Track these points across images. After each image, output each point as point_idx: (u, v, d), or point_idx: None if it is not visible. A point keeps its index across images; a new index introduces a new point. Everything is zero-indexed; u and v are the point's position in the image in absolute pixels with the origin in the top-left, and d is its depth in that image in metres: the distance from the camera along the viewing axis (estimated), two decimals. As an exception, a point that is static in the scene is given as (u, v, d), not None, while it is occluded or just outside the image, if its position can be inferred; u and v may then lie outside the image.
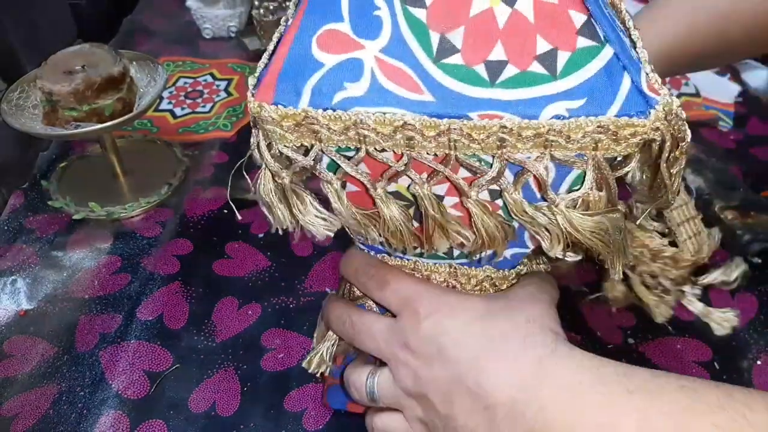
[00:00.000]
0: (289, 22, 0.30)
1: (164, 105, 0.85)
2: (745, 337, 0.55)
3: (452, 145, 0.28)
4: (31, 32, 0.88)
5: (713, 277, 0.42)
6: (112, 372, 0.53)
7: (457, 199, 0.32)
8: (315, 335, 0.46)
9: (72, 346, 0.56)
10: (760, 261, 0.60)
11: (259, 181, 0.33)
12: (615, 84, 0.27)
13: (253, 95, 0.29)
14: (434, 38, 0.28)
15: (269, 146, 0.31)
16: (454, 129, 0.27)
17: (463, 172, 0.30)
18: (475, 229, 0.32)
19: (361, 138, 0.29)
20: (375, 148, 0.29)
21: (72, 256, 0.64)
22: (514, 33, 0.28)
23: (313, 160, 0.30)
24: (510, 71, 0.28)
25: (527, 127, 0.27)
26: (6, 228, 0.68)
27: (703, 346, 0.55)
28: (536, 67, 0.27)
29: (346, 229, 0.35)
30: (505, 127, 0.27)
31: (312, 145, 0.30)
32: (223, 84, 0.89)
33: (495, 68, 0.28)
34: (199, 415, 0.50)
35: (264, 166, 0.32)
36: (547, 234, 0.31)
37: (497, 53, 0.28)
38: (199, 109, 0.85)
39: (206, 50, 0.98)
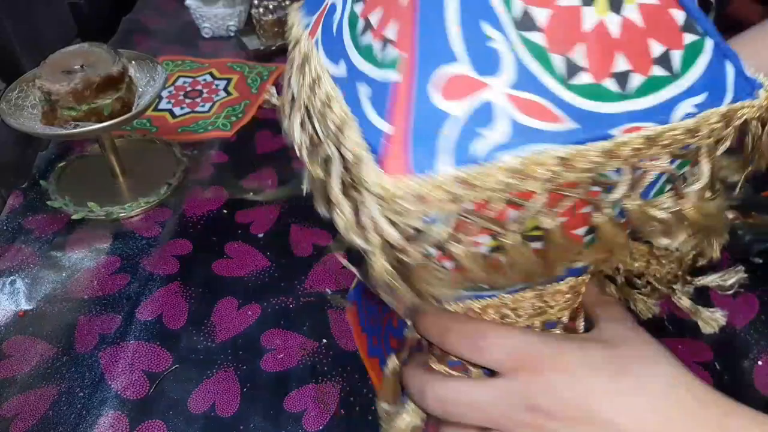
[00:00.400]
0: (379, 76, 0.27)
1: (163, 104, 0.85)
2: (746, 338, 0.55)
3: (594, 168, 0.26)
4: (30, 32, 0.88)
5: (710, 279, 0.42)
6: (111, 372, 0.53)
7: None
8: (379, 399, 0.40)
9: (71, 346, 0.56)
10: (761, 261, 0.60)
11: (372, 267, 0.28)
12: (723, 72, 0.28)
13: (379, 170, 0.25)
14: (557, 61, 0.26)
15: (393, 224, 0.27)
16: (601, 149, 0.26)
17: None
18: (600, 243, 0.30)
19: (506, 187, 0.26)
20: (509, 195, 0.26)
21: (71, 257, 0.64)
22: (629, 40, 0.27)
23: (446, 224, 0.26)
24: (636, 80, 0.27)
25: (667, 131, 0.27)
26: (5, 228, 0.67)
27: (704, 347, 0.54)
28: (657, 71, 0.27)
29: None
30: (649, 137, 0.26)
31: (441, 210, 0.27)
32: (222, 83, 0.89)
33: (622, 79, 0.27)
34: (198, 416, 0.50)
35: (376, 246, 0.27)
36: (661, 227, 0.30)
37: (620, 63, 0.27)
38: (198, 109, 0.84)
39: (205, 49, 0.98)
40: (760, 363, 0.53)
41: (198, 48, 0.98)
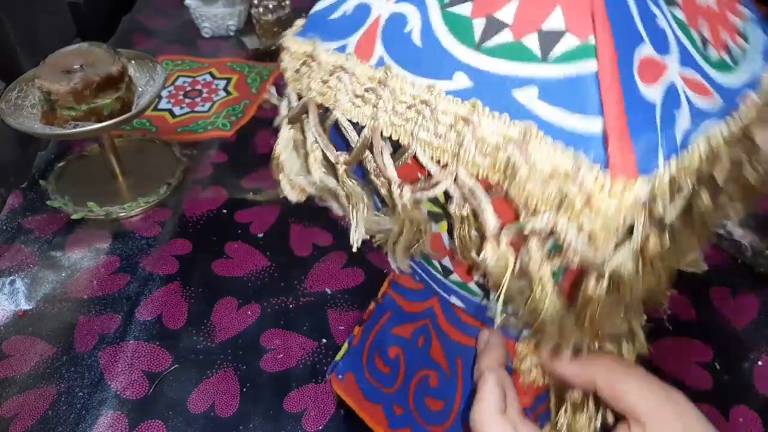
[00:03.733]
0: (571, 67, 0.22)
1: (163, 104, 0.85)
2: (746, 338, 0.55)
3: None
4: (29, 31, 0.88)
5: None
6: (111, 372, 0.53)
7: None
8: None
9: (71, 346, 0.55)
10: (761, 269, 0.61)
11: (529, 306, 0.25)
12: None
13: (607, 178, 0.21)
14: (695, 35, 0.25)
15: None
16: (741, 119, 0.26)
17: None
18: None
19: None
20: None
21: (71, 256, 0.64)
22: (710, 12, 0.27)
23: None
24: (735, 49, 0.27)
25: None
26: (4, 228, 0.67)
27: (704, 347, 0.54)
28: (739, 41, 0.27)
29: None
30: (761, 104, 0.27)
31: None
32: (222, 83, 0.89)
33: (728, 50, 0.27)
34: (198, 416, 0.50)
35: (547, 280, 0.24)
36: None
37: (724, 36, 0.27)
38: (198, 109, 0.84)
39: (205, 49, 0.98)
40: (760, 363, 0.53)
41: (198, 48, 0.98)
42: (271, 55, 0.95)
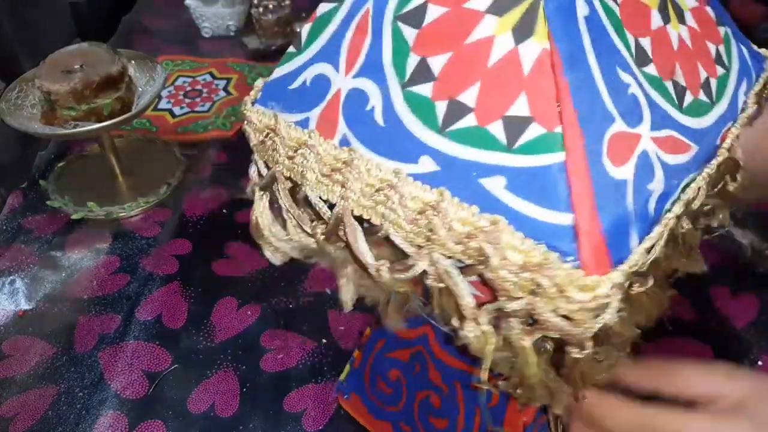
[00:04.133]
0: (537, 157, 0.22)
1: (163, 104, 0.85)
2: (746, 338, 0.55)
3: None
4: (30, 31, 0.88)
5: None
6: (110, 372, 0.53)
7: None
8: None
9: (71, 346, 0.55)
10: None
11: (518, 372, 0.26)
12: (743, 53, 0.30)
13: (583, 271, 0.21)
14: (670, 87, 0.25)
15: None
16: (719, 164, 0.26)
17: None
18: None
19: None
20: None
21: (71, 256, 0.64)
22: (698, 48, 0.27)
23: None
24: (714, 83, 0.27)
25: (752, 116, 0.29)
26: (4, 228, 0.67)
27: (704, 347, 0.54)
28: (720, 70, 0.27)
29: None
30: (736, 135, 0.27)
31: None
32: (222, 83, 0.89)
33: (707, 89, 0.27)
34: (198, 416, 0.50)
35: (529, 352, 0.24)
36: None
37: (702, 74, 0.27)
38: (198, 109, 0.84)
39: (205, 49, 0.98)
40: (760, 363, 0.53)
41: (198, 48, 0.98)
42: (272, 55, 0.95)
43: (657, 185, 0.23)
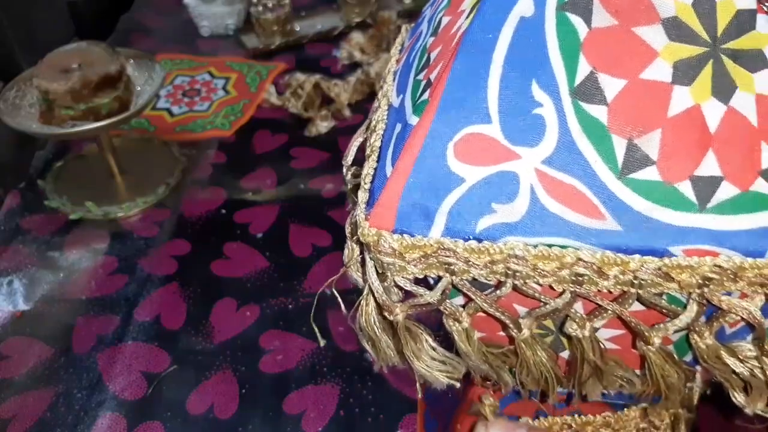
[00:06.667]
0: (408, 118, 0.23)
1: (161, 103, 0.85)
2: (747, 338, 0.55)
3: (637, 283, 0.21)
4: (28, 30, 0.88)
5: None
6: (109, 374, 0.53)
7: (615, 332, 0.25)
8: None
9: (69, 347, 0.55)
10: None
11: (360, 311, 0.26)
12: None
13: (365, 217, 0.22)
14: (618, 145, 0.21)
15: (381, 276, 0.24)
16: (648, 269, 0.21)
17: (634, 306, 0.23)
18: (649, 376, 0.25)
19: (510, 273, 0.22)
20: (525, 282, 0.23)
21: (69, 257, 0.64)
22: (731, 139, 0.21)
23: (441, 294, 0.24)
24: (726, 191, 0.21)
25: (753, 268, 0.20)
26: (2, 228, 0.67)
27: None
28: (762, 186, 0.21)
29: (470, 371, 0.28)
30: (720, 266, 0.21)
31: (440, 277, 0.23)
32: (221, 82, 0.89)
33: (705, 187, 0.21)
34: (197, 417, 0.50)
35: (368, 294, 0.25)
36: (739, 383, 0.24)
37: (708, 166, 0.21)
38: (196, 108, 0.84)
39: (204, 48, 0.97)
40: (761, 364, 0.53)
41: (196, 46, 0.98)
42: (271, 54, 0.95)
43: (509, 214, 0.21)
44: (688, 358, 0.25)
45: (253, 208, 0.69)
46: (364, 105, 0.82)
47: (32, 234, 0.66)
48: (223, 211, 0.69)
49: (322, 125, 0.79)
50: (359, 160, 0.28)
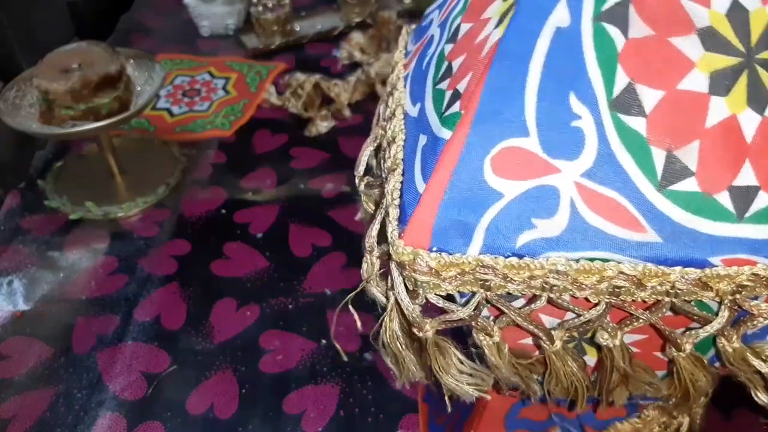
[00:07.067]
0: (437, 131, 0.23)
1: (161, 103, 0.85)
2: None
3: (673, 292, 0.22)
4: (28, 30, 0.88)
5: None
6: (109, 374, 0.53)
7: (636, 337, 0.25)
8: None
9: (69, 347, 0.55)
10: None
11: (384, 327, 0.25)
12: None
13: (399, 235, 0.22)
14: (657, 156, 0.21)
15: (412, 293, 0.23)
16: (687, 279, 0.21)
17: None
18: (677, 380, 0.25)
19: (548, 287, 0.22)
20: (560, 295, 0.22)
21: (69, 257, 0.64)
22: (767, 149, 0.21)
23: (474, 310, 0.23)
24: (764, 201, 0.21)
25: None
26: (2, 228, 0.67)
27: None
28: None
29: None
30: (757, 275, 0.21)
31: (473, 293, 0.23)
32: (221, 82, 0.89)
33: (743, 197, 0.21)
34: (197, 417, 0.50)
35: (392, 311, 0.24)
36: (762, 383, 0.25)
37: (745, 176, 0.21)
38: (196, 108, 0.84)
39: (204, 48, 0.97)
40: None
41: (196, 46, 0.98)
42: (271, 54, 0.95)
43: (550, 229, 0.21)
44: (707, 357, 0.26)
45: (253, 208, 0.69)
46: (364, 105, 0.82)
47: (32, 234, 0.66)
48: (223, 211, 0.69)
49: (322, 125, 0.79)
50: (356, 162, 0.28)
